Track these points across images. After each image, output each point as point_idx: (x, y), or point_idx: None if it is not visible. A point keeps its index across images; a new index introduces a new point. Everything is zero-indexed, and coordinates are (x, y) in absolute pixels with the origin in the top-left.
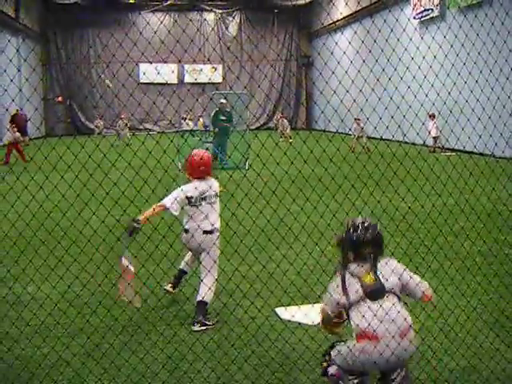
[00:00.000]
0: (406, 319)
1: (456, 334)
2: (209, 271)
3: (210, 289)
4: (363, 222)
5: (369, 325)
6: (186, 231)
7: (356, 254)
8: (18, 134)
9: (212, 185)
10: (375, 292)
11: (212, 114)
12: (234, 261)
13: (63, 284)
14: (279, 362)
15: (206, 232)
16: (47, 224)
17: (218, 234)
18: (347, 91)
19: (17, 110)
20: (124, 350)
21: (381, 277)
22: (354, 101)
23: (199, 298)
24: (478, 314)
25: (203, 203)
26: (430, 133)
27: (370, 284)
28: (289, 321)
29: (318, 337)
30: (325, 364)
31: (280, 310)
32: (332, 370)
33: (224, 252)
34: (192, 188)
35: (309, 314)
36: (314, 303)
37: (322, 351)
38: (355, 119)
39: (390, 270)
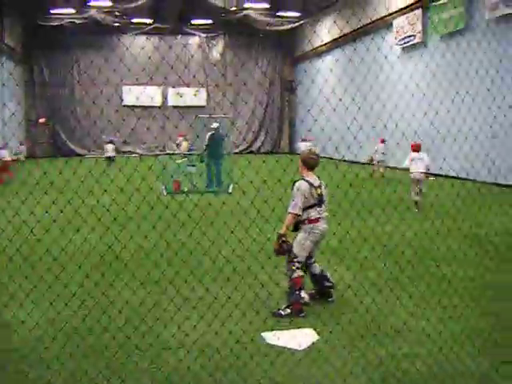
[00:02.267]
0: (326, 214)
1: (444, 359)
2: None
3: None
4: (314, 151)
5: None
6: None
7: (310, 169)
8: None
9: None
10: (321, 200)
11: (208, 138)
12: (220, 282)
13: (52, 310)
14: None
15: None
16: (37, 248)
17: None
18: (327, 119)
19: None
20: (104, 371)
21: (322, 189)
22: (335, 128)
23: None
24: (462, 339)
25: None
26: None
27: (320, 194)
28: (274, 345)
29: (304, 362)
30: (293, 267)
31: (266, 335)
32: (298, 273)
33: (210, 274)
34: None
35: (295, 338)
36: (299, 327)
37: (308, 376)
38: (382, 140)
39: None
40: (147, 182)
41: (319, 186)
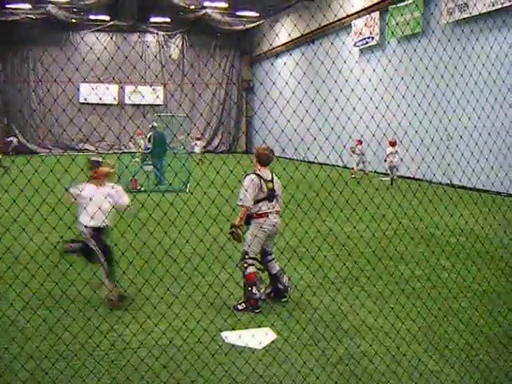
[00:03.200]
0: (279, 209)
1: (402, 356)
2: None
3: None
4: (269, 147)
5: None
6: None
7: (264, 165)
8: None
9: None
10: (272, 195)
11: (149, 137)
12: (180, 281)
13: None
14: None
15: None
16: None
17: None
18: (287, 119)
19: None
20: (60, 377)
21: (274, 184)
22: (288, 121)
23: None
24: (419, 337)
25: None
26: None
27: (271, 188)
28: (234, 344)
29: (264, 360)
30: (245, 265)
31: (226, 334)
32: (249, 269)
33: (171, 273)
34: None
35: (255, 337)
36: (259, 326)
37: (269, 374)
38: (358, 141)
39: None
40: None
41: (271, 181)
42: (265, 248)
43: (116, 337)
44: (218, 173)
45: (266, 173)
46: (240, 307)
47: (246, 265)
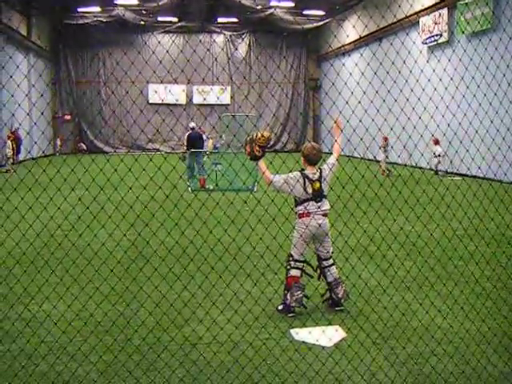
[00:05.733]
0: (327, 209)
1: (471, 356)
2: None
3: None
4: (316, 146)
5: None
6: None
7: (311, 164)
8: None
9: None
10: (320, 194)
11: (187, 137)
12: (253, 279)
13: (78, 303)
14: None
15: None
16: (64, 243)
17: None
18: (353, 111)
19: (15, 129)
20: (136, 369)
21: (323, 184)
22: (360, 121)
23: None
24: (488, 338)
25: None
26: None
27: (317, 188)
28: (303, 342)
29: (335, 356)
30: (288, 267)
31: (296, 330)
32: (291, 272)
33: (238, 273)
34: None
35: (325, 334)
36: (329, 324)
37: (338, 371)
38: (384, 138)
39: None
40: (172, 179)
41: (318, 180)
42: (317, 253)
43: (190, 331)
44: (277, 172)
45: (313, 172)
46: (279, 307)
47: (288, 267)
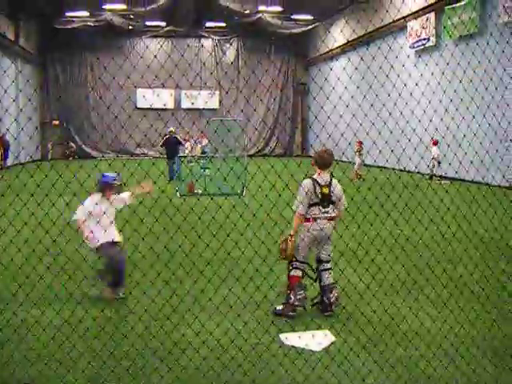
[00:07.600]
0: (332, 215)
1: (460, 360)
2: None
3: None
4: (328, 150)
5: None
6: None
7: (322, 168)
8: None
9: None
10: (327, 200)
11: (164, 141)
12: (242, 284)
13: (66, 309)
14: None
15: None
16: (52, 249)
17: None
18: (340, 116)
19: (2, 134)
20: (125, 375)
21: (332, 189)
22: (348, 125)
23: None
24: (477, 341)
25: None
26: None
27: (326, 193)
28: (293, 346)
29: (324, 361)
30: (290, 267)
31: (286, 335)
32: (293, 272)
33: (227, 277)
34: None
35: (314, 339)
36: (318, 328)
37: (328, 375)
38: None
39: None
40: (159, 184)
41: (327, 185)
42: (318, 255)
43: (179, 337)
44: (266, 177)
45: (323, 177)
46: (278, 308)
47: (291, 267)
